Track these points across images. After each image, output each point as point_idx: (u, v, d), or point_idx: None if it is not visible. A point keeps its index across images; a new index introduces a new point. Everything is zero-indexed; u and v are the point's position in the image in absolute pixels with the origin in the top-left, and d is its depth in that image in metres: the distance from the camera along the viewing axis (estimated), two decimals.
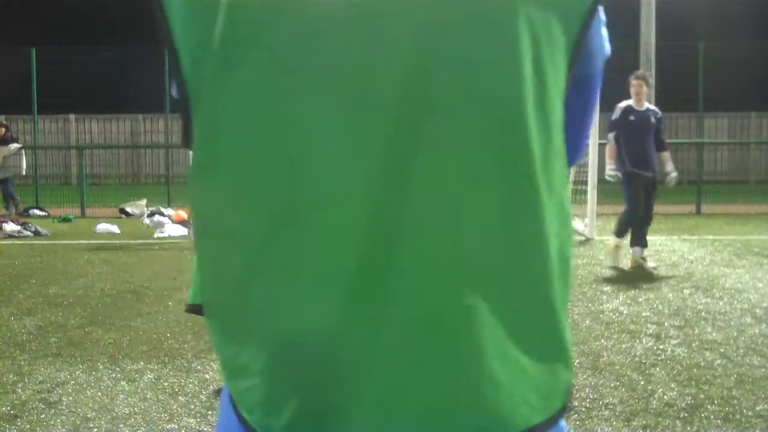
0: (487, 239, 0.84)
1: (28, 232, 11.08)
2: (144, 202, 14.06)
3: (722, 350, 4.68)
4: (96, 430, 3.47)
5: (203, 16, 0.85)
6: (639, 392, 3.91)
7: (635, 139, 7.60)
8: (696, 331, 5.16)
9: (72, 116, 23.08)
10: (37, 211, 14.10)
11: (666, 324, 5.38)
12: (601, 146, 12.47)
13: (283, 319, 0.83)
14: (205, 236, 0.90)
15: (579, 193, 11.60)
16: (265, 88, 0.83)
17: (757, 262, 8.05)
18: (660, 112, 7.88)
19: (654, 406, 3.70)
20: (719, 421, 3.51)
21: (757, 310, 5.78)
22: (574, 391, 3.91)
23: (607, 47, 1.00)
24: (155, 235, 10.74)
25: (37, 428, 3.49)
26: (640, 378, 4.14)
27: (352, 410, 0.82)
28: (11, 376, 4.24)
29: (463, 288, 0.83)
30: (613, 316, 5.61)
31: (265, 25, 0.84)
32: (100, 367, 4.40)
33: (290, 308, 0.82)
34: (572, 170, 11.98)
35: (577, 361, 4.46)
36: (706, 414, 3.60)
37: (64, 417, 3.61)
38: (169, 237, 10.68)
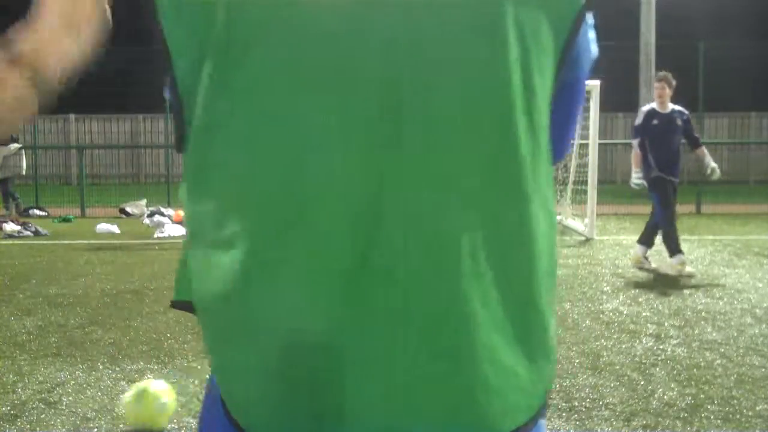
0: (477, 242, 0.84)
1: (28, 232, 11.08)
2: (144, 202, 14.07)
3: (722, 350, 4.68)
4: (96, 430, 3.47)
5: (199, 19, 0.86)
6: (639, 392, 3.91)
7: (661, 143, 7.39)
8: (696, 331, 5.16)
9: (72, 116, 23.09)
10: (37, 211, 14.11)
11: (666, 324, 5.38)
12: (601, 146, 12.50)
13: (282, 320, 0.83)
14: (200, 237, 0.90)
15: (579, 193, 11.61)
16: (264, 89, 0.84)
17: (757, 262, 8.05)
18: (687, 112, 7.62)
19: (654, 406, 3.70)
20: (719, 421, 3.51)
21: (757, 310, 5.78)
22: (574, 391, 3.91)
23: (595, 50, 1.00)
24: (155, 235, 10.74)
25: (37, 428, 3.49)
26: (640, 378, 4.14)
27: (349, 411, 0.82)
28: (11, 376, 4.24)
29: (457, 291, 0.83)
30: (613, 316, 5.61)
31: (264, 27, 0.84)
32: (100, 367, 4.40)
33: (289, 309, 0.82)
34: (572, 170, 12.00)
35: (577, 361, 4.46)
36: (706, 414, 3.60)
37: (64, 417, 3.61)
38: (169, 237, 10.68)
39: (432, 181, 0.83)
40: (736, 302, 6.09)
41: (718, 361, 4.45)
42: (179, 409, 3.69)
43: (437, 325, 0.82)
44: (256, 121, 0.84)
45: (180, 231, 10.84)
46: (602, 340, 4.93)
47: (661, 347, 4.77)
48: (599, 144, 11.18)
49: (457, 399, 0.83)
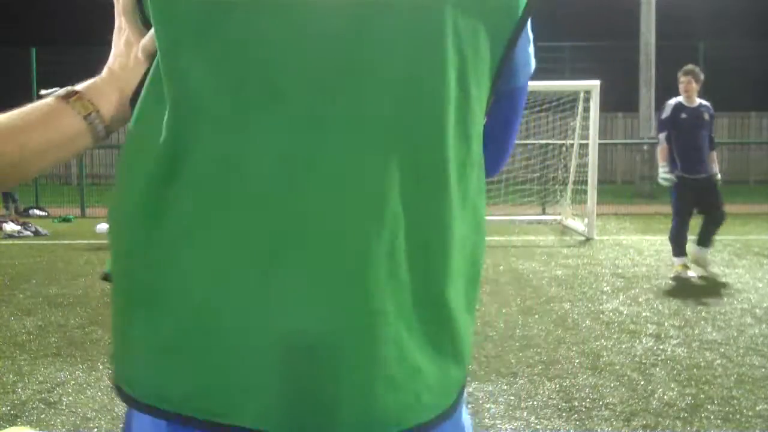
0: (396, 242, 0.84)
1: (28, 232, 11.08)
2: None
3: (722, 350, 4.68)
4: (96, 430, 3.47)
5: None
6: (639, 392, 3.91)
7: (688, 139, 7.12)
8: (696, 331, 5.16)
9: None
10: (37, 211, 14.10)
11: (666, 324, 5.38)
12: (601, 146, 12.50)
13: (285, 321, 0.82)
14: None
15: (579, 193, 11.61)
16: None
17: (757, 262, 8.06)
18: (712, 109, 7.36)
19: (654, 406, 3.70)
20: (719, 421, 3.51)
21: (757, 310, 5.78)
22: (574, 391, 3.91)
23: (533, 64, 1.02)
24: None
25: (37, 428, 3.49)
26: (640, 378, 4.15)
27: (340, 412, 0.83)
28: (11, 376, 4.24)
29: (370, 292, 0.83)
30: (613, 316, 5.61)
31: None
32: (100, 367, 4.40)
33: (291, 310, 0.82)
34: (572, 170, 12.01)
35: (577, 361, 4.46)
36: (706, 414, 3.60)
37: (64, 417, 3.61)
38: None
39: (354, 178, 0.82)
40: (736, 302, 6.09)
41: (718, 361, 4.45)
42: None
43: (345, 325, 0.83)
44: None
45: None
46: (602, 340, 4.93)
47: (661, 347, 4.77)
48: (599, 144, 11.18)
49: (357, 391, 0.83)
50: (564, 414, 3.60)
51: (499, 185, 12.77)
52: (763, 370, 4.29)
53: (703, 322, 5.41)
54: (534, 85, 9.81)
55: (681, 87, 7.32)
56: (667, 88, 17.96)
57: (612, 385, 4.03)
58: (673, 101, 7.34)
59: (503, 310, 5.77)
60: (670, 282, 7.02)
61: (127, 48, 0.93)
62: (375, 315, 0.83)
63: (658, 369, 4.31)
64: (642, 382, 4.07)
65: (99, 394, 3.93)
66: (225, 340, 0.81)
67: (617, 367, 4.34)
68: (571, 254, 8.89)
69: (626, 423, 3.49)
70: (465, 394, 0.97)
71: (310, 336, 0.81)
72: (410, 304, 0.86)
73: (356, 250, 0.83)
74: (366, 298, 0.83)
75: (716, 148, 7.55)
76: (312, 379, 0.82)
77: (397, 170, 0.84)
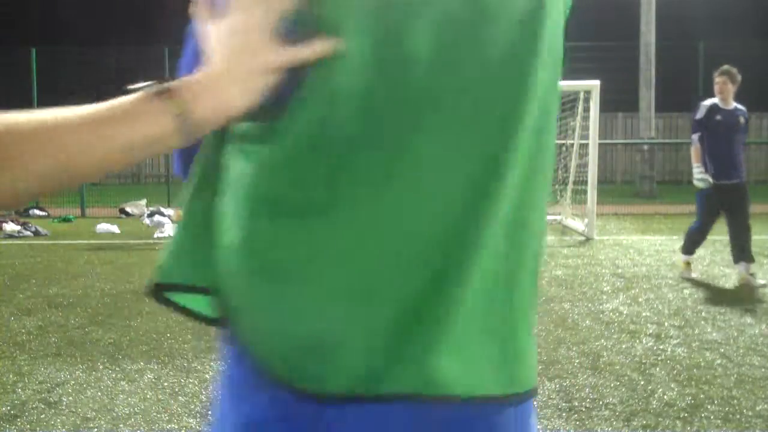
0: (495, 232, 0.86)
1: (28, 232, 11.08)
2: (144, 202, 14.07)
3: (722, 350, 4.68)
4: (96, 430, 3.47)
5: None
6: (639, 392, 3.91)
7: (722, 143, 6.83)
8: (696, 331, 5.16)
9: None
10: (37, 211, 14.10)
11: (666, 324, 5.38)
12: (601, 146, 12.50)
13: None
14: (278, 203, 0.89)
15: (579, 193, 11.61)
16: None
17: (757, 262, 8.04)
18: (747, 112, 7.11)
19: (654, 406, 3.70)
20: (719, 421, 3.51)
21: (757, 310, 5.78)
22: (574, 391, 3.91)
23: None
24: (155, 235, 10.74)
25: (37, 428, 3.49)
26: (640, 378, 4.15)
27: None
28: (11, 376, 4.24)
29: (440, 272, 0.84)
30: (613, 316, 5.61)
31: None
32: (100, 367, 4.40)
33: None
34: (572, 170, 12.00)
35: (577, 361, 4.46)
36: (706, 414, 3.60)
37: (64, 417, 3.61)
38: (169, 237, 10.62)
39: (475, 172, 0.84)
40: (736, 302, 6.09)
41: (718, 361, 4.45)
42: (179, 410, 3.70)
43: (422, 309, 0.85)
44: None
45: None
46: (602, 340, 4.93)
47: (661, 347, 4.77)
48: (599, 144, 11.19)
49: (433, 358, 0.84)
50: (564, 414, 3.60)
51: None
52: (763, 370, 4.29)
53: (703, 322, 5.41)
54: None
55: (716, 88, 6.99)
56: (667, 88, 18.00)
57: (612, 385, 4.03)
58: (708, 102, 7.03)
59: None
60: (670, 282, 7.01)
61: (247, 54, 0.84)
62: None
63: (658, 369, 4.31)
64: (642, 382, 4.07)
65: (99, 394, 3.93)
66: None
67: (617, 367, 4.34)
68: (571, 254, 8.89)
69: (626, 423, 3.49)
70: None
71: None
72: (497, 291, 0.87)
73: (441, 231, 0.84)
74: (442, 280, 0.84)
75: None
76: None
77: (517, 162, 0.86)
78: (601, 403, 3.75)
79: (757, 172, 22.58)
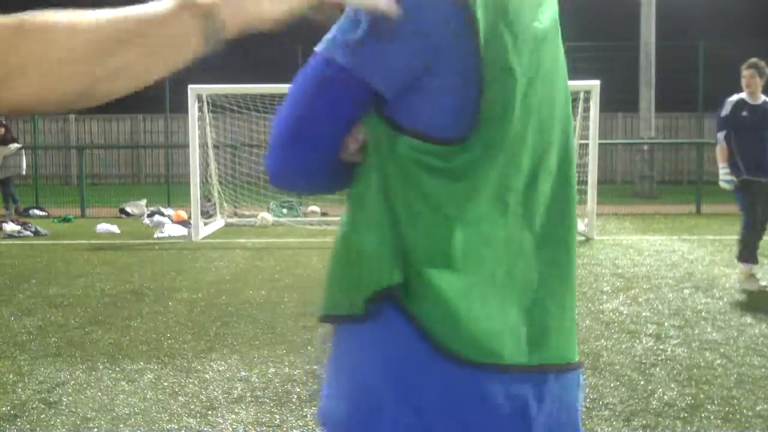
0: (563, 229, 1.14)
1: (28, 232, 11.08)
2: (144, 202, 14.06)
3: (722, 350, 4.69)
4: (96, 430, 3.47)
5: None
6: (639, 392, 3.91)
7: (750, 139, 6.48)
8: (696, 331, 5.16)
9: (72, 116, 23.08)
10: (37, 211, 14.10)
11: (666, 324, 5.38)
12: (601, 146, 12.49)
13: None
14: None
15: (579, 193, 11.55)
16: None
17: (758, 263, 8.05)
18: None
19: (654, 406, 3.70)
20: (719, 421, 3.51)
21: (758, 310, 5.78)
22: None
23: None
24: (155, 235, 10.74)
25: (37, 428, 3.49)
26: (640, 378, 4.15)
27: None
28: (11, 376, 4.24)
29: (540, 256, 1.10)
30: (613, 316, 5.61)
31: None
32: (100, 367, 4.40)
33: None
34: None
35: None
36: (706, 414, 3.60)
37: (64, 417, 3.61)
38: (169, 237, 10.68)
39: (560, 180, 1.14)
40: (736, 302, 6.09)
41: (718, 361, 4.45)
42: (179, 410, 3.70)
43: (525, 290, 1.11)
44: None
45: (180, 231, 10.84)
46: (602, 340, 4.93)
47: (661, 347, 4.77)
48: (599, 144, 11.18)
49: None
50: None
51: None
52: (763, 370, 4.29)
53: (703, 322, 5.41)
54: None
55: (743, 82, 6.65)
56: (667, 88, 17.98)
57: (612, 385, 4.03)
58: (734, 97, 6.67)
59: None
60: (670, 282, 7.01)
61: None
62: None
63: (658, 369, 4.31)
64: (642, 382, 4.07)
65: (99, 394, 3.93)
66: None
67: (617, 367, 4.34)
68: None
69: (626, 423, 3.49)
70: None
71: None
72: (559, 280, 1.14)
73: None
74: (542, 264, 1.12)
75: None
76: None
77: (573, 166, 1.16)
78: (600, 403, 3.75)
79: None
